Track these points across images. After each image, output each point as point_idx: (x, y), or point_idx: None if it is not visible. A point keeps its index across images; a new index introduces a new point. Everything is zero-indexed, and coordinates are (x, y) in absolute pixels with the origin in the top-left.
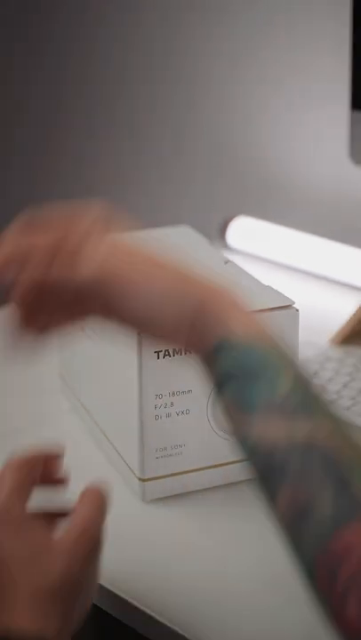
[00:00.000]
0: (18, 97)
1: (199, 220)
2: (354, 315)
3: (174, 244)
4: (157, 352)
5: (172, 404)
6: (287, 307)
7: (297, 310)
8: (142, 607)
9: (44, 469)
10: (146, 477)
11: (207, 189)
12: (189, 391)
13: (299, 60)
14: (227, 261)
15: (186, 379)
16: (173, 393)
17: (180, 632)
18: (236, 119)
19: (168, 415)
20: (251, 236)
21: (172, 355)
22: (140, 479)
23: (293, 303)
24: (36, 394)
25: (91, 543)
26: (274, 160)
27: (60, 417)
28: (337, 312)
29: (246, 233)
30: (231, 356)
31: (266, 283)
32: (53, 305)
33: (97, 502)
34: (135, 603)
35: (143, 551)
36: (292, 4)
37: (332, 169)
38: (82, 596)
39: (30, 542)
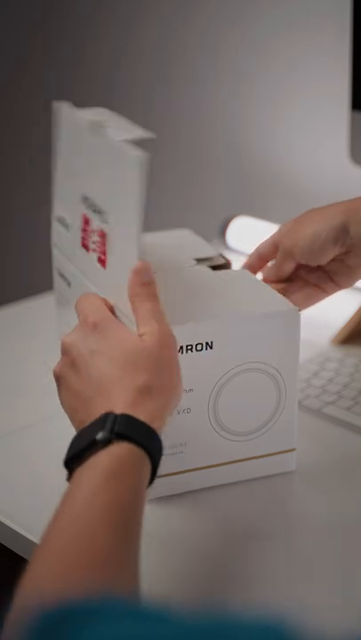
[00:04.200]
0: (21, 92)
1: (199, 220)
2: (354, 315)
3: (175, 246)
4: None
5: None
6: (288, 311)
7: (298, 310)
8: None
9: None
10: None
11: (207, 189)
12: (190, 390)
13: (299, 61)
14: (224, 263)
15: (187, 377)
16: None
17: None
18: (236, 120)
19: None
20: (251, 236)
21: None
22: None
23: (294, 307)
24: (36, 394)
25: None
26: (274, 160)
27: (60, 417)
28: (337, 312)
29: (246, 233)
30: None
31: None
32: None
33: None
34: None
35: (143, 551)
36: (293, 5)
37: (333, 169)
38: (166, 390)
39: (122, 343)
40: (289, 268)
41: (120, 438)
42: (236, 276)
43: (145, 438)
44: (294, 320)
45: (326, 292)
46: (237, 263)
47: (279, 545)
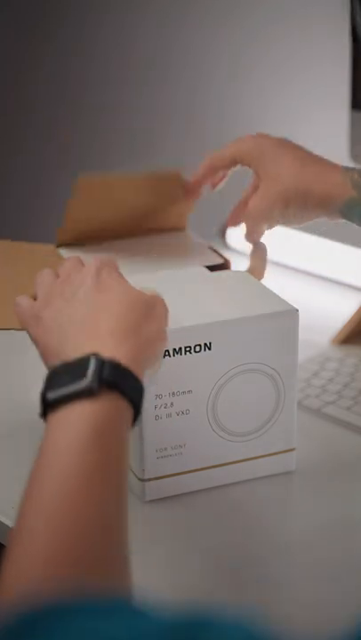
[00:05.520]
0: (21, 90)
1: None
2: (354, 315)
3: (173, 246)
4: None
5: (172, 404)
6: (287, 311)
7: (296, 311)
8: None
9: None
10: (146, 477)
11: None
12: (189, 391)
13: (299, 61)
14: (223, 263)
15: (186, 379)
16: (173, 393)
17: None
18: (236, 120)
19: (168, 415)
20: None
21: (171, 355)
22: (140, 479)
23: (293, 308)
24: (36, 394)
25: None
26: None
27: None
28: (337, 312)
29: None
30: None
31: (267, 284)
32: None
33: None
34: None
35: (143, 551)
36: (292, 5)
37: None
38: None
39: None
40: (261, 231)
41: (107, 387)
42: (235, 276)
43: (133, 389)
44: (293, 320)
45: None
46: (237, 263)
47: (279, 545)
